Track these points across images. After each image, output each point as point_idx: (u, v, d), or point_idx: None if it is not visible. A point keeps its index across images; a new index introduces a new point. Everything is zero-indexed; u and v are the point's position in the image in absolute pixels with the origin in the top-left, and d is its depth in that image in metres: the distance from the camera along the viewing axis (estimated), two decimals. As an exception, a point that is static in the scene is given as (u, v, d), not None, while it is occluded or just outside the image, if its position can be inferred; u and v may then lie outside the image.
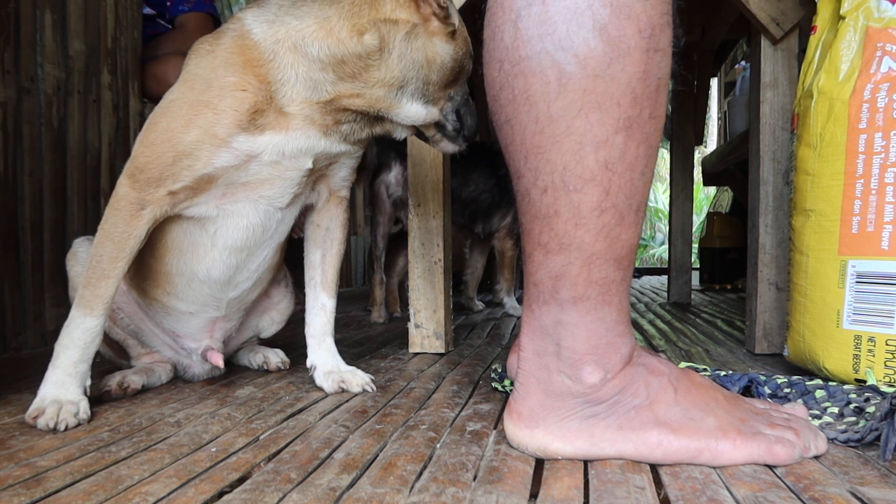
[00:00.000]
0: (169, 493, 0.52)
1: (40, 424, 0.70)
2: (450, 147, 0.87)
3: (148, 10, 1.73)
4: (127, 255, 0.76)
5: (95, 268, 0.75)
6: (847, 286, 0.84)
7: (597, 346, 0.58)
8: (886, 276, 0.81)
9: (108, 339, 0.93)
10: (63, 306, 1.33)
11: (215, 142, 0.72)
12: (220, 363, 0.91)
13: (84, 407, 0.73)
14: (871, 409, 0.68)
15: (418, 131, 0.86)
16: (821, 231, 0.88)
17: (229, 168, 0.75)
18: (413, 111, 0.79)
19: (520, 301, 1.92)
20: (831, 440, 0.63)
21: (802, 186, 0.91)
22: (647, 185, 0.58)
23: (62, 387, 0.74)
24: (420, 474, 0.56)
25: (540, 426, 0.60)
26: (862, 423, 0.66)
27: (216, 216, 0.80)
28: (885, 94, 0.81)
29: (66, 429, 0.70)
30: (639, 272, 4.12)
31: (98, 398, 0.85)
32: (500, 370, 0.90)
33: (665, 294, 2.55)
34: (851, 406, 0.71)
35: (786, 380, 0.79)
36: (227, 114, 0.72)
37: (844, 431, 0.64)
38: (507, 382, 0.86)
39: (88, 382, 0.77)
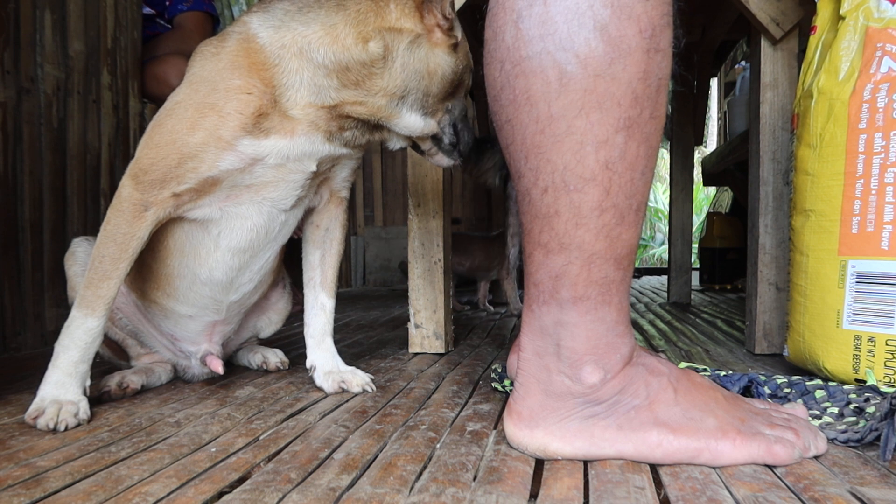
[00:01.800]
0: (169, 494, 0.52)
1: (40, 425, 0.70)
2: (444, 161, 0.87)
3: (147, 10, 1.73)
4: (129, 255, 0.76)
5: (97, 268, 0.75)
6: (847, 286, 0.84)
7: (597, 346, 0.58)
8: (886, 276, 0.81)
9: (107, 339, 0.93)
10: (62, 307, 1.33)
11: (220, 144, 0.73)
12: (220, 369, 0.91)
13: (84, 407, 0.73)
14: (870, 410, 0.68)
15: (414, 143, 0.86)
16: (821, 231, 0.88)
17: (234, 171, 0.75)
18: (412, 122, 0.79)
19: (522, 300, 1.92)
20: (831, 440, 0.63)
21: (802, 187, 0.91)
22: (647, 185, 0.58)
23: (62, 387, 0.74)
24: (420, 474, 0.56)
25: (540, 426, 0.60)
26: (862, 423, 0.66)
27: (219, 218, 0.80)
28: (885, 95, 0.81)
29: (65, 429, 0.70)
30: (639, 272, 4.12)
31: (98, 398, 0.85)
32: (499, 370, 0.90)
33: (665, 294, 2.55)
34: (851, 406, 0.71)
35: (786, 380, 0.79)
36: (232, 116, 0.72)
37: (844, 431, 0.64)
38: (507, 382, 0.86)
39: (88, 383, 0.77)
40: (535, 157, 0.57)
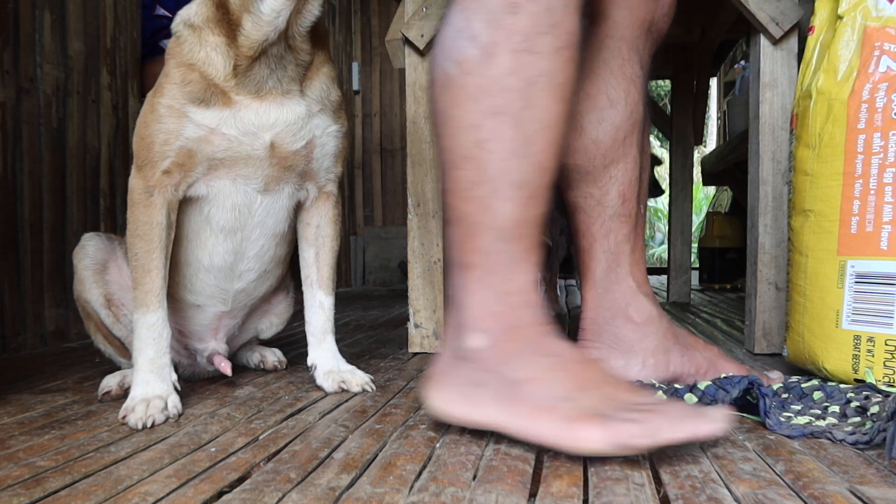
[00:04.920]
0: (168, 494, 0.52)
1: (131, 423, 0.72)
2: None
3: (161, 11, 1.73)
4: (157, 244, 0.81)
5: (136, 267, 0.81)
6: (846, 286, 0.84)
7: (483, 314, 0.65)
8: (886, 276, 0.81)
9: (110, 336, 0.93)
10: (62, 306, 1.33)
11: (174, 113, 0.80)
12: (228, 371, 0.91)
13: (173, 401, 0.77)
14: (874, 409, 0.68)
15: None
16: (820, 231, 0.87)
17: (199, 140, 0.81)
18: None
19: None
20: (839, 442, 0.63)
21: (801, 187, 0.91)
22: (531, 167, 0.65)
23: (147, 385, 0.78)
24: (419, 474, 0.56)
25: (443, 388, 0.66)
26: (869, 424, 0.66)
27: (207, 195, 0.85)
28: (884, 95, 0.81)
29: (153, 425, 0.72)
30: (638, 272, 4.10)
31: (99, 399, 0.85)
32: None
33: (664, 294, 2.55)
34: (853, 405, 0.71)
35: (781, 385, 0.78)
36: (174, 88, 0.81)
37: (852, 433, 0.64)
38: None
39: (175, 377, 0.80)
40: (439, 147, 0.70)
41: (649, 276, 0.95)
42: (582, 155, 0.85)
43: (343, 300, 2.37)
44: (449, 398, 0.65)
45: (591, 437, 0.56)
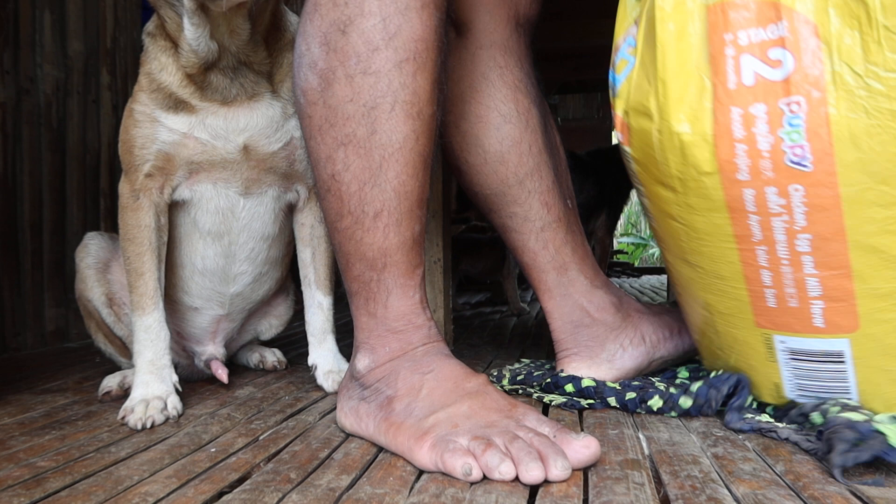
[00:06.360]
0: (168, 494, 0.52)
1: (130, 423, 0.72)
2: None
3: None
4: (147, 247, 0.82)
5: (129, 270, 0.82)
6: (780, 360, 0.66)
7: (369, 338, 0.68)
8: (831, 354, 0.62)
9: (111, 335, 0.94)
10: (62, 306, 1.33)
11: (146, 118, 0.82)
12: (225, 378, 0.91)
13: (173, 401, 0.77)
14: (817, 420, 0.63)
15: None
16: (722, 295, 0.66)
17: (175, 144, 0.81)
18: None
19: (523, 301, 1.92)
20: (783, 440, 0.62)
21: (673, 233, 0.67)
22: (387, 195, 0.65)
23: (147, 386, 0.78)
24: (419, 475, 0.56)
25: (342, 403, 0.69)
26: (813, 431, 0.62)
27: (191, 199, 0.85)
28: (766, 128, 0.54)
29: (152, 426, 0.72)
30: (639, 272, 4.11)
31: (99, 399, 0.85)
32: (495, 373, 0.90)
33: (665, 293, 2.55)
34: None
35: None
36: (144, 95, 0.83)
37: (797, 431, 0.62)
38: (504, 382, 0.86)
39: (175, 378, 0.81)
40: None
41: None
42: (493, 178, 0.84)
43: (343, 300, 2.36)
44: (344, 412, 0.68)
45: (422, 459, 0.57)
